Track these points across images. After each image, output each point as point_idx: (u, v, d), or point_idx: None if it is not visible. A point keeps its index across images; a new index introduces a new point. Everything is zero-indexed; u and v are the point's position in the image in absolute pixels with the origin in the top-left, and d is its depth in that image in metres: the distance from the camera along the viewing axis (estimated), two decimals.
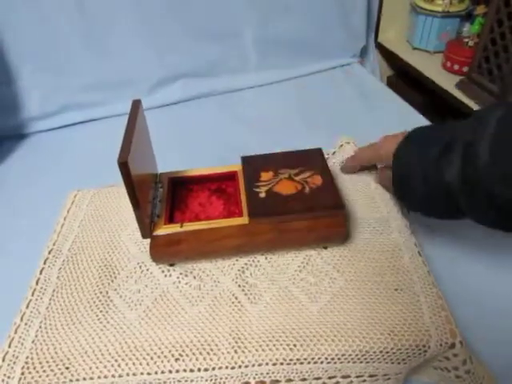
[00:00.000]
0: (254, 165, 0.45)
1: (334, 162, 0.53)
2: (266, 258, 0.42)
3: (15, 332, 0.37)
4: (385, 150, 0.44)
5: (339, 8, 0.86)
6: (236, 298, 0.39)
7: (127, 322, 0.37)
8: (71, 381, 0.33)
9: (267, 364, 0.34)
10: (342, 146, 0.55)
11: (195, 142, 0.69)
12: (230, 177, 0.46)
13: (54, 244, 0.45)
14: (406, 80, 0.99)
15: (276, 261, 0.42)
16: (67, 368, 0.34)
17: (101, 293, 0.40)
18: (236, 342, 0.35)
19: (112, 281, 0.41)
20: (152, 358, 0.34)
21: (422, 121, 0.75)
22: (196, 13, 0.77)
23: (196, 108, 0.81)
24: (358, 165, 0.50)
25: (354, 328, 0.35)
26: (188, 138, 0.71)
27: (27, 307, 0.39)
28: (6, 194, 0.62)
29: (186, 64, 0.80)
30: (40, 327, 0.37)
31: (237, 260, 0.42)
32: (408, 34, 0.97)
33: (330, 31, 0.87)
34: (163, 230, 0.40)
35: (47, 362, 0.35)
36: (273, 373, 0.34)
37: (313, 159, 0.45)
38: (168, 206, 0.43)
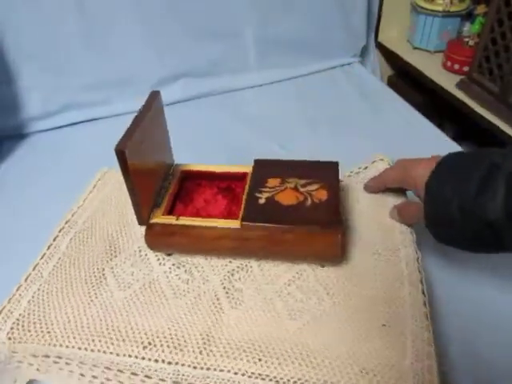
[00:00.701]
0: (264, 169, 0.44)
1: (363, 179, 0.50)
2: (259, 266, 0.41)
3: (17, 290, 0.39)
4: (414, 176, 0.39)
5: (339, 8, 0.86)
6: (218, 300, 0.38)
7: (113, 301, 0.38)
8: (49, 344, 0.35)
9: (229, 371, 0.33)
10: (374, 162, 0.52)
11: (195, 142, 0.69)
12: (241, 177, 0.45)
13: (72, 215, 0.48)
14: (407, 80, 0.99)
15: (268, 270, 0.40)
16: (48, 332, 0.36)
17: (97, 269, 0.41)
18: (204, 343, 0.35)
19: (111, 259, 0.42)
20: (124, 341, 0.35)
21: (421, 120, 0.75)
22: (196, 12, 0.77)
23: (196, 107, 0.81)
24: (383, 185, 0.46)
25: (325, 356, 0.33)
26: (188, 137, 0.71)
27: (33, 269, 0.41)
28: (6, 193, 0.62)
29: (186, 64, 0.80)
30: (38, 289, 0.39)
31: (230, 262, 0.41)
32: (408, 33, 0.97)
33: (331, 31, 0.87)
34: (159, 220, 0.40)
35: (34, 322, 0.37)
36: (233, 382, 0.33)
37: (326, 172, 0.43)
38: (172, 197, 0.43)
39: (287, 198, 0.40)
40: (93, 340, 0.35)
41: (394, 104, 0.80)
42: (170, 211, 0.42)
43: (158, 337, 0.35)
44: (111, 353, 0.35)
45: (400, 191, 0.47)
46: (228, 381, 0.33)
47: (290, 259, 0.41)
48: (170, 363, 0.34)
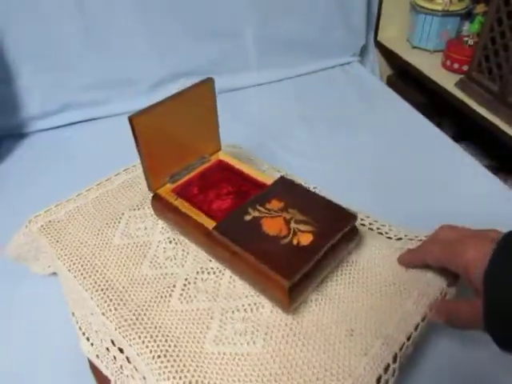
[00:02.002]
0: (279, 188, 0.42)
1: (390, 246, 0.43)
2: (231, 277, 0.40)
3: (55, 206, 0.48)
4: (465, 260, 0.32)
5: (339, 7, 0.86)
6: (173, 287, 0.39)
7: (112, 250, 0.42)
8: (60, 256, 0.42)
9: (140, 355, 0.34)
10: (417, 238, 0.44)
11: None
12: (260, 186, 0.44)
13: (116, 175, 0.52)
14: (406, 79, 0.99)
15: (235, 284, 0.39)
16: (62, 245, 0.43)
17: (118, 213, 0.46)
18: (137, 319, 0.36)
19: (134, 209, 0.47)
20: (102, 290, 0.39)
21: (421, 120, 0.75)
22: (196, 12, 0.77)
23: None
24: (422, 262, 0.38)
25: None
26: None
27: (76, 196, 0.49)
28: (6, 193, 0.62)
29: (186, 63, 0.80)
30: (70, 210, 0.47)
31: (210, 260, 0.41)
32: (408, 32, 0.97)
33: (330, 30, 0.88)
34: (163, 193, 0.43)
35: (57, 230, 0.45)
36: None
37: (335, 220, 0.38)
38: (191, 179, 0.45)
39: (271, 227, 0.38)
40: (84, 278, 0.40)
41: (394, 103, 0.80)
42: (181, 191, 0.44)
43: (111, 295, 0.38)
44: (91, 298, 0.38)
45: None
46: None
47: (249, 285, 0.39)
48: (102, 314, 0.37)
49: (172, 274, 0.40)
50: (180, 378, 0.32)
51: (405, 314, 0.36)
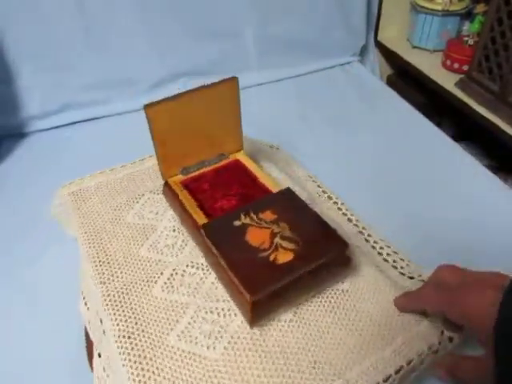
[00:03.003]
0: (279, 199, 0.41)
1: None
2: (216, 278, 0.39)
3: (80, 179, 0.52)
4: (469, 309, 0.29)
5: (339, 7, 0.86)
6: (160, 275, 0.40)
7: (122, 227, 0.45)
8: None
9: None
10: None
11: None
12: (267, 193, 0.44)
13: (150, 156, 0.54)
14: (406, 79, 0.99)
15: (218, 286, 0.39)
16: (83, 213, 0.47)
17: (138, 194, 0.48)
18: (119, 297, 0.38)
19: (150, 192, 0.49)
20: (100, 262, 0.42)
21: (421, 119, 0.75)
22: (196, 12, 0.77)
23: None
24: (420, 308, 0.35)
25: None
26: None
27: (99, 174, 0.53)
28: (6, 193, 0.62)
29: (186, 63, 0.80)
30: (100, 182, 0.51)
31: (202, 256, 0.41)
32: (408, 32, 0.97)
33: (330, 30, 0.87)
34: (172, 182, 0.45)
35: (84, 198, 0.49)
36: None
37: (322, 243, 0.36)
38: (205, 174, 0.46)
39: (255, 237, 0.37)
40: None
41: (394, 103, 0.80)
42: (190, 184, 0.45)
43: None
44: None
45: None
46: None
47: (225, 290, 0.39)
48: None
49: (165, 261, 0.41)
50: (135, 362, 0.33)
51: (378, 361, 0.33)
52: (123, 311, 0.37)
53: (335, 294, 0.38)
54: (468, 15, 0.89)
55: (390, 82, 1.03)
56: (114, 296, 0.38)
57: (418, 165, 0.63)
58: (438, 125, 0.76)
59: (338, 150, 0.68)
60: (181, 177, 0.46)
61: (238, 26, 0.81)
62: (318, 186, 0.54)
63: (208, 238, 0.37)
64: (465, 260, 0.48)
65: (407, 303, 0.36)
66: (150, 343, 0.34)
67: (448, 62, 0.85)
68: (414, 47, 0.94)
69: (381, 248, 0.45)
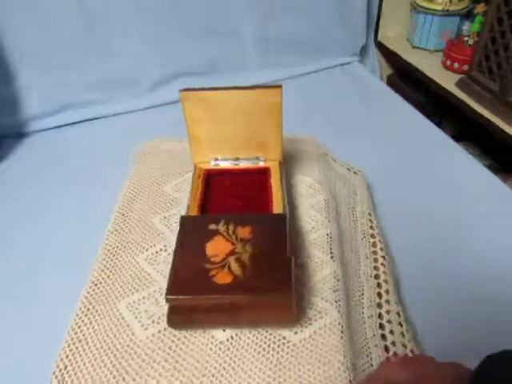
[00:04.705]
0: (268, 222, 0.39)
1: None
2: None
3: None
4: None
5: (339, 7, 0.86)
6: (153, 246, 0.43)
7: (156, 194, 0.49)
8: None
9: None
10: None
11: None
12: (266, 207, 0.43)
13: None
14: (406, 79, 0.99)
15: None
16: None
17: (188, 168, 0.50)
18: (112, 255, 0.42)
19: (190, 171, 0.49)
20: (122, 216, 0.48)
21: (421, 119, 0.75)
22: (196, 12, 0.77)
23: None
24: None
25: None
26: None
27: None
28: (6, 193, 0.62)
29: (186, 63, 0.80)
30: (166, 149, 0.57)
31: None
32: (408, 32, 0.97)
33: (330, 30, 0.87)
34: (197, 168, 0.47)
35: None
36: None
37: (269, 284, 0.33)
38: (232, 171, 0.47)
39: (214, 246, 0.36)
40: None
41: (394, 103, 0.80)
42: (212, 174, 0.47)
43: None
44: None
45: None
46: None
47: None
48: None
49: (165, 236, 0.44)
50: (86, 304, 0.38)
51: None
52: (104, 266, 0.41)
53: (275, 341, 0.35)
54: (468, 15, 0.88)
55: (390, 82, 1.03)
56: (108, 251, 0.43)
57: (418, 165, 0.63)
58: (438, 125, 0.76)
59: (338, 149, 0.67)
60: (210, 165, 0.47)
61: (238, 25, 0.81)
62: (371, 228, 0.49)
63: (179, 228, 0.38)
64: (464, 259, 0.48)
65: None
66: (106, 298, 0.39)
67: (448, 62, 0.85)
68: (414, 47, 0.94)
69: (387, 312, 0.40)
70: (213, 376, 0.33)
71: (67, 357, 0.35)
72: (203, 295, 0.33)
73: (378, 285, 0.42)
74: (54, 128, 0.75)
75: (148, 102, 0.78)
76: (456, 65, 0.83)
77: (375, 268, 0.44)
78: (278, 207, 0.42)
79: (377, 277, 0.43)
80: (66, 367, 0.34)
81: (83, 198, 0.58)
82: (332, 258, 0.41)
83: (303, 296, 0.38)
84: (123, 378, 0.33)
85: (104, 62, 0.75)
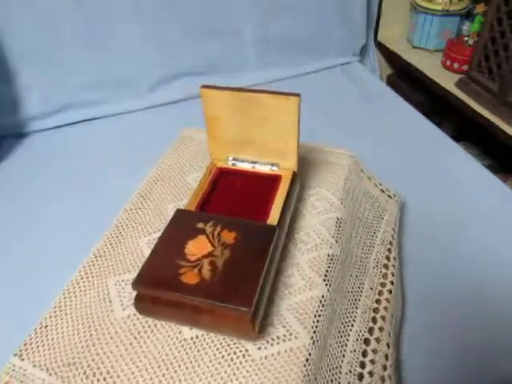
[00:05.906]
0: (254, 231, 0.38)
1: None
2: None
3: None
4: None
5: (339, 7, 0.86)
6: (158, 232, 0.43)
7: (177, 184, 0.50)
8: None
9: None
10: None
11: None
12: (262, 216, 0.42)
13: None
14: (406, 79, 0.99)
15: None
16: None
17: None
18: (116, 236, 0.44)
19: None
20: (135, 205, 0.48)
21: (421, 119, 0.75)
22: (196, 11, 0.77)
23: (196, 106, 0.81)
24: None
25: None
26: None
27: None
28: (6, 193, 0.62)
29: (186, 63, 0.80)
30: (194, 140, 0.57)
31: None
32: (408, 32, 0.97)
33: (330, 30, 0.88)
34: (212, 164, 0.47)
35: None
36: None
37: (236, 297, 0.32)
38: (245, 173, 0.47)
39: (194, 246, 0.36)
40: None
41: (394, 103, 0.80)
42: (223, 173, 0.47)
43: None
44: None
45: None
46: None
47: None
48: None
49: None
50: (77, 284, 0.39)
51: None
52: (113, 237, 0.43)
53: (239, 356, 0.34)
54: (468, 15, 0.89)
55: (390, 82, 1.03)
56: (114, 233, 0.44)
57: (418, 164, 0.63)
58: (438, 125, 0.76)
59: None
60: (223, 164, 0.47)
61: (238, 25, 0.81)
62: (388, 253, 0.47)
63: (169, 223, 0.38)
64: (464, 259, 0.48)
65: None
66: (101, 272, 0.40)
67: (448, 62, 0.85)
68: (414, 47, 0.94)
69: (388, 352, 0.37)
70: (167, 369, 0.33)
71: (50, 317, 0.37)
72: (164, 291, 0.33)
73: (374, 319, 0.39)
74: (54, 128, 0.75)
75: (148, 101, 0.78)
76: (456, 65, 0.83)
77: (377, 301, 0.41)
78: (273, 218, 0.40)
79: (376, 310, 0.40)
80: (46, 326, 0.37)
81: (83, 198, 0.58)
82: (324, 281, 0.38)
83: (278, 312, 0.36)
84: (89, 350, 0.35)
85: (104, 62, 0.75)
